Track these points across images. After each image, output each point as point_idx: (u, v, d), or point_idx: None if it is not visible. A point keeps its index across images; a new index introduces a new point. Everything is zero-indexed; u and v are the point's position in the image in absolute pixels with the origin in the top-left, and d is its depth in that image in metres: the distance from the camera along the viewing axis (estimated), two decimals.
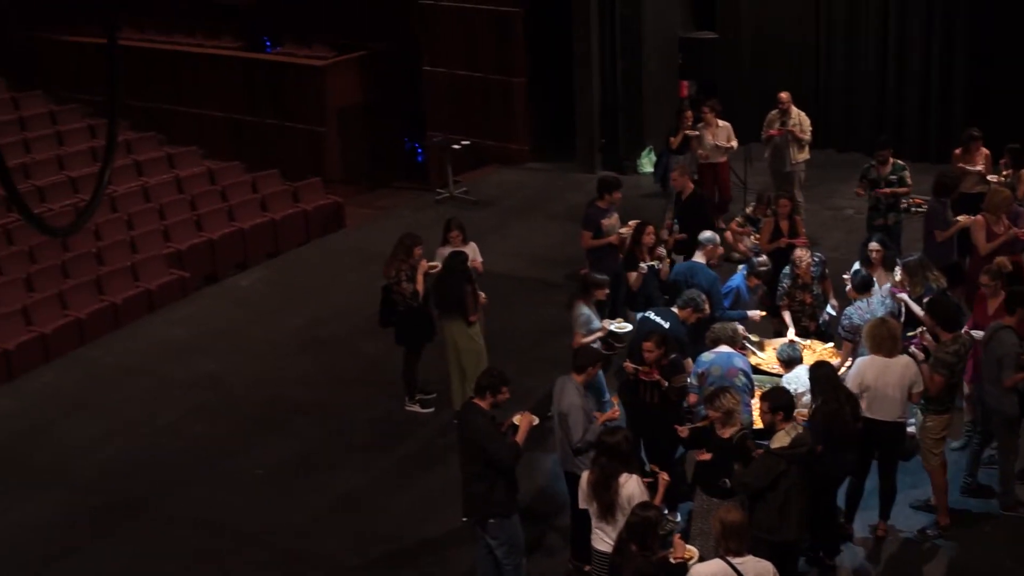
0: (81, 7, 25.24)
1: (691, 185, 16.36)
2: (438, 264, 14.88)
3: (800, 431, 10.70)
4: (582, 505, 10.60)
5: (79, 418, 15.80)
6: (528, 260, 19.20)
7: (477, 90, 23.61)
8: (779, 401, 10.80)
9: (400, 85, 24.80)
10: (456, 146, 22.45)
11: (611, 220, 15.78)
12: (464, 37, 23.50)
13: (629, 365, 12.34)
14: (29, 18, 26.32)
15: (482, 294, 14.64)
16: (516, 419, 11.22)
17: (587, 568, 11.13)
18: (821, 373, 11.63)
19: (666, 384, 12.07)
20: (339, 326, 17.59)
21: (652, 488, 10.50)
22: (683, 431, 11.61)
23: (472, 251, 15.22)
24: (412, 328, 14.80)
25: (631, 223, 15.45)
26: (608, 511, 10.27)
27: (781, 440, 10.60)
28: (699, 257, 14.33)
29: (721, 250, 14.82)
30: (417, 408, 15.11)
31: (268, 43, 25.99)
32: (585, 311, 13.43)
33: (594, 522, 10.49)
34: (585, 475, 10.61)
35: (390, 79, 24.88)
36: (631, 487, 10.27)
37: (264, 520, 13.43)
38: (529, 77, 23.30)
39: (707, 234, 14.58)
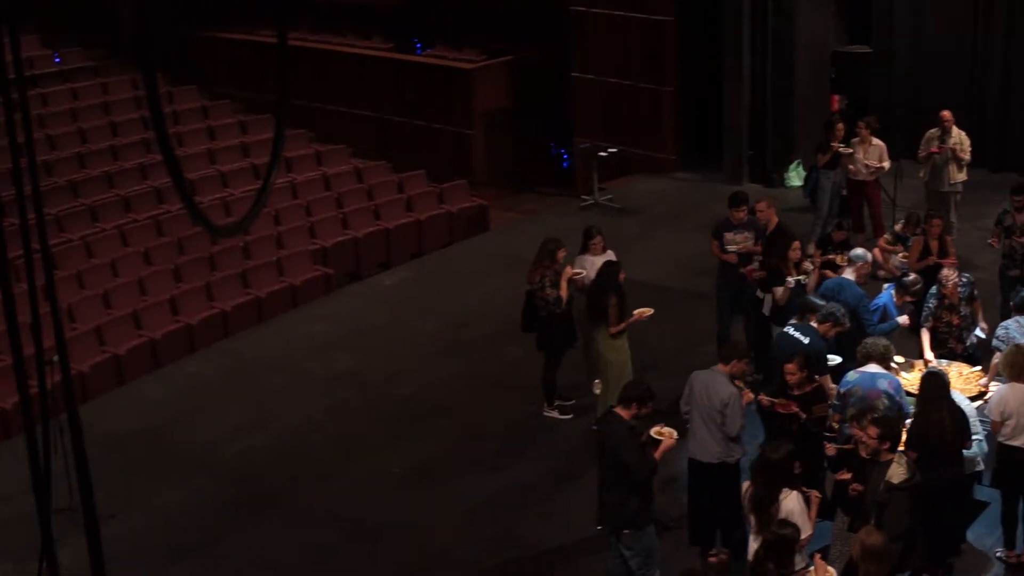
0: (236, 5, 25.62)
1: (776, 219, 15.71)
2: (581, 271, 14.85)
3: (906, 460, 10.53)
4: (747, 513, 10.54)
5: (221, 409, 16.00)
6: (672, 269, 19.07)
7: (626, 97, 23.55)
8: (890, 430, 10.60)
9: (548, 90, 24.82)
10: (603, 153, 22.41)
11: (735, 236, 15.48)
12: (615, 44, 23.44)
13: (765, 398, 12.11)
14: (184, 14, 26.75)
15: (649, 309, 14.45)
16: (655, 432, 11.15)
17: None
18: (930, 383, 11.51)
19: (804, 416, 11.86)
20: (480, 329, 17.62)
21: None
22: (831, 449, 11.46)
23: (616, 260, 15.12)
24: (554, 334, 14.76)
25: (741, 246, 15.35)
26: (767, 527, 10.14)
27: (899, 474, 10.36)
28: (849, 274, 14.10)
29: (869, 268, 14.57)
30: (556, 414, 15.08)
31: (418, 45, 26.15)
32: None
33: (751, 536, 10.40)
34: (745, 486, 10.53)
35: (538, 84, 24.92)
36: (791, 503, 10.18)
37: (398, 519, 13.48)
38: (679, 86, 23.18)
39: (858, 251, 14.34)
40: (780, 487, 10.24)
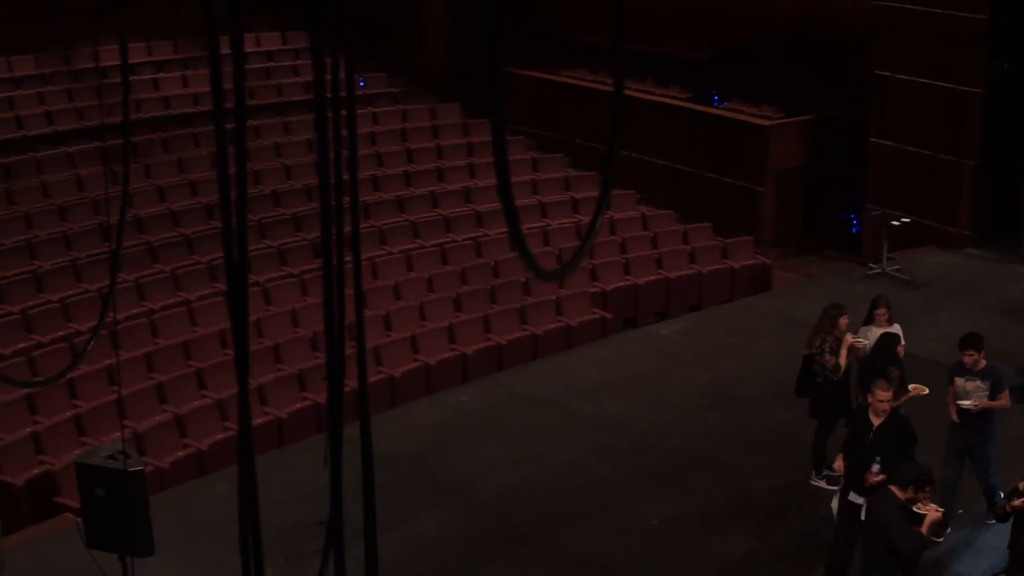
0: (542, 45, 25.92)
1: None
2: (863, 340, 14.53)
3: None
4: None
5: (487, 441, 16.14)
6: (955, 348, 18.47)
7: (923, 167, 22.99)
8: None
9: (843, 154, 24.43)
10: (895, 223, 21.93)
11: (967, 384, 13.45)
12: (918, 112, 22.93)
13: (1019, 500, 11.55)
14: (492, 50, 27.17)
15: (926, 389, 13.73)
16: (920, 508, 10.90)
17: None
18: None
19: None
20: (753, 388, 17.39)
21: None
22: None
23: (896, 332, 14.76)
24: (828, 401, 14.47)
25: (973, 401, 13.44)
26: None
27: None
28: None
29: None
30: (823, 484, 14.74)
31: (716, 98, 26.05)
32: None
33: None
34: None
35: (834, 146, 24.55)
36: None
37: (645, 570, 13.39)
38: (980, 160, 22.55)
39: None
40: None
